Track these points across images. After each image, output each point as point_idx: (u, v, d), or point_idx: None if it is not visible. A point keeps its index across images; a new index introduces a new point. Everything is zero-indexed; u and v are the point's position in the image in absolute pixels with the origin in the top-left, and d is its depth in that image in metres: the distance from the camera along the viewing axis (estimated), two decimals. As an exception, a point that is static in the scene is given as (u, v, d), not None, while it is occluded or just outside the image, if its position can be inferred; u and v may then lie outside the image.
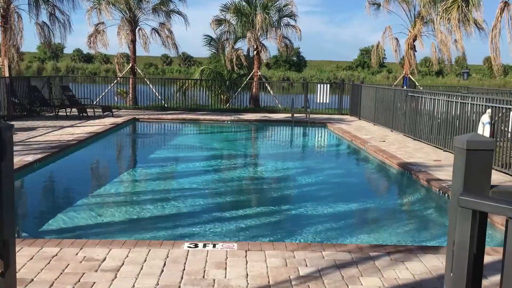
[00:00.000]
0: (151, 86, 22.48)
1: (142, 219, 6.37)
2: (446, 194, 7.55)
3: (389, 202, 8.01)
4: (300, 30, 23.89)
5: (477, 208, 1.35)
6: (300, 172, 9.97)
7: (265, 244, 5.03)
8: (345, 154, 13.42)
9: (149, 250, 4.73)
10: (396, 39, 23.92)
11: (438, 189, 7.90)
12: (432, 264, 4.53)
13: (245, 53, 24.14)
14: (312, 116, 18.90)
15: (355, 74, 78.93)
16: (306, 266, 4.44)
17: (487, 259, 4.49)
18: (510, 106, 9.06)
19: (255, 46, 23.23)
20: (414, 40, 23.24)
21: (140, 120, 17.92)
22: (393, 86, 21.91)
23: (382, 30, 27.73)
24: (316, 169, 10.28)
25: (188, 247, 4.84)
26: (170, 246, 4.87)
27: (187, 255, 4.64)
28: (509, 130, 9.42)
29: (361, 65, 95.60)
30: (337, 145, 14.48)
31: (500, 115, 9.44)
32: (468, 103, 10.59)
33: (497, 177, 8.64)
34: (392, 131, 15.12)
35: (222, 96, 23.68)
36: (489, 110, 9.48)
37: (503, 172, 8.98)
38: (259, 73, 23.89)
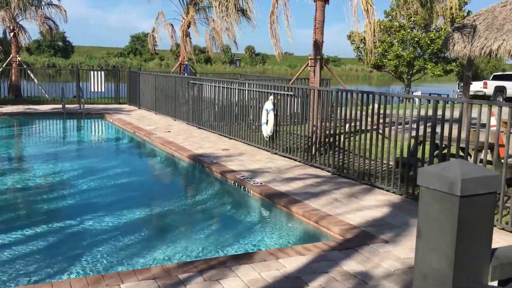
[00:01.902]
0: None
1: None
2: (242, 186, 7.25)
3: (185, 202, 7.28)
4: (65, 11, 21.37)
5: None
6: (78, 175, 8.50)
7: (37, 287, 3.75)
8: (130, 148, 12.27)
9: None
10: (172, 25, 23.45)
11: (233, 182, 7.55)
12: (250, 278, 3.97)
13: (0, 35, 20.50)
14: (86, 106, 17.09)
15: (127, 61, 76.79)
16: (102, 311, 3.39)
17: None
18: (289, 93, 9.30)
19: (11, 27, 19.87)
20: (189, 27, 23.13)
21: None
22: (171, 73, 21.41)
23: (152, 16, 26.81)
24: (97, 170, 8.95)
25: None
26: None
27: None
28: (287, 115, 9.70)
29: (133, 52, 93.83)
30: (119, 139, 13.22)
31: (275, 101, 9.62)
32: (252, 90, 10.62)
33: (282, 163, 8.79)
34: (175, 120, 14.57)
35: (-29, 86, 19.66)
36: (271, 97, 9.61)
37: (286, 157, 9.21)
38: (19, 58, 20.60)
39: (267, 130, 9.59)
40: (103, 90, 19.29)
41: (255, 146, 10.36)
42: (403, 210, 6.04)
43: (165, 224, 6.20)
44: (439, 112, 6.28)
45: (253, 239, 5.42)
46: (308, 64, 11.41)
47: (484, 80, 32.74)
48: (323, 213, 5.73)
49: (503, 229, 5.40)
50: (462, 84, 35.01)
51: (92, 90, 19.15)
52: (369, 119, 7.66)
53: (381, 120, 7.39)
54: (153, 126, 13.34)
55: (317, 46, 11.09)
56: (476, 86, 31.54)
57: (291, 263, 4.29)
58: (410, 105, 6.98)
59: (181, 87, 14.13)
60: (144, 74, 17.95)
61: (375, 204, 6.28)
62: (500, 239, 5.03)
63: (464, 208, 0.75)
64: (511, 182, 6.63)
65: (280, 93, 9.52)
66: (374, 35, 9.26)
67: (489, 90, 31.77)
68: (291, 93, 9.14)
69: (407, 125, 6.91)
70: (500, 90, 32.11)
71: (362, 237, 4.95)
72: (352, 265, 4.28)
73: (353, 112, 7.79)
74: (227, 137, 11.46)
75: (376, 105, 8.64)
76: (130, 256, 4.82)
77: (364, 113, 7.63)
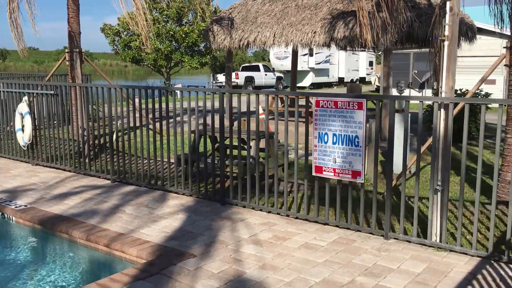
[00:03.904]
0: None
1: None
2: (5, 215, 5.71)
3: None
4: None
5: None
6: None
7: None
8: None
9: None
10: None
11: (-14, 209, 5.91)
12: None
13: None
14: None
15: None
16: None
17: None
18: (49, 92, 7.87)
19: None
20: None
21: None
22: None
23: None
24: None
25: None
26: None
27: None
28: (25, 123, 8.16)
29: None
30: None
31: (30, 102, 8.03)
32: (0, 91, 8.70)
33: (49, 175, 7.42)
34: None
35: None
36: (25, 98, 7.99)
37: (53, 168, 7.84)
38: None
39: (24, 137, 7.96)
40: None
41: (9, 158, 8.57)
42: (199, 213, 5.58)
43: None
44: (208, 103, 6.00)
45: None
46: (65, 58, 10.00)
47: (235, 71, 35.34)
48: (114, 233, 4.84)
49: (278, 213, 5.46)
50: (216, 76, 37.19)
51: None
52: (142, 116, 7.00)
53: (151, 115, 6.80)
54: None
55: (73, 37, 9.78)
56: (229, 77, 33.90)
57: (89, 311, 3.35)
58: (175, 97, 6.55)
59: None
60: None
61: (169, 211, 5.66)
62: (285, 226, 5.01)
63: None
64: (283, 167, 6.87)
65: (38, 93, 7.98)
66: (147, 21, 8.58)
67: (241, 80, 34.51)
68: (52, 91, 7.74)
69: (180, 119, 6.47)
70: (249, 80, 35.22)
71: (166, 257, 4.28)
72: (164, 295, 3.58)
73: (122, 109, 7.01)
74: (-31, 151, 9.23)
75: (137, 100, 8.02)
76: None
77: (136, 109, 6.93)
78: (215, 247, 4.51)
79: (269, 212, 5.60)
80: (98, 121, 8.40)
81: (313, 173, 5.08)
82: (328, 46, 12.49)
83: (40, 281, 4.29)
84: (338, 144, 4.86)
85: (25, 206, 5.77)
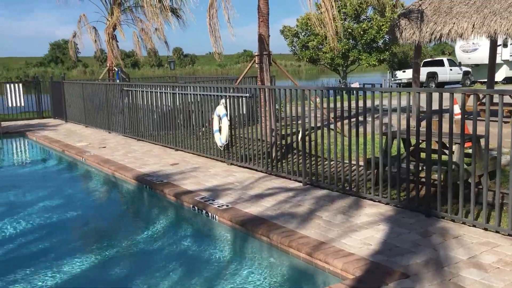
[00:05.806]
0: None
1: None
2: (204, 211, 6.01)
3: (138, 241, 5.68)
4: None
5: None
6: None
7: None
8: (59, 171, 10.44)
9: None
10: (95, 28, 21.50)
11: (192, 206, 6.29)
12: None
13: None
14: (4, 124, 15.01)
15: (48, 70, 72.61)
16: None
17: None
18: (245, 94, 8.14)
19: None
20: (114, 29, 21.32)
21: None
22: (99, 81, 19.58)
23: (71, 22, 24.68)
24: (21, 203, 7.35)
25: None
26: None
27: None
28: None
29: (54, 60, 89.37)
30: (46, 160, 11.41)
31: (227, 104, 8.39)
32: (199, 94, 9.37)
33: (243, 175, 7.65)
34: (110, 133, 13.01)
35: None
36: (223, 101, 8.41)
37: (246, 168, 8.09)
38: None
39: (221, 138, 8.38)
40: (22, 104, 17.21)
41: (207, 157, 9.13)
42: (402, 225, 5.09)
43: (120, 271, 4.82)
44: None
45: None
46: (254, 61, 10.34)
47: (416, 67, 33.24)
48: (315, 241, 4.65)
49: (497, 232, 4.61)
50: (395, 73, 35.48)
51: (10, 105, 17.01)
52: (334, 118, 6.75)
53: (339, 117, 6.46)
54: (85, 142, 11.70)
55: (263, 40, 10.02)
56: (409, 74, 31.90)
57: (302, 328, 3.17)
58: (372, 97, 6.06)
59: (114, 95, 12.59)
60: (69, 84, 16.14)
61: (367, 220, 5.29)
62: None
63: None
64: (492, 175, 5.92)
65: (235, 96, 8.31)
66: (334, 20, 8.37)
67: (422, 77, 32.32)
68: (247, 94, 7.99)
69: (383, 121, 5.99)
70: (432, 76, 32.82)
71: (375, 274, 3.92)
72: (381, 321, 3.22)
73: (316, 110, 6.83)
74: (173, 149, 10.14)
75: (318, 100, 7.73)
76: None
77: (328, 112, 6.71)
78: (428, 268, 3.99)
79: (485, 229, 4.84)
80: (285, 121, 8.46)
81: (551, 188, 4.21)
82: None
83: (247, 282, 4.30)
84: None
85: (227, 206, 5.98)
